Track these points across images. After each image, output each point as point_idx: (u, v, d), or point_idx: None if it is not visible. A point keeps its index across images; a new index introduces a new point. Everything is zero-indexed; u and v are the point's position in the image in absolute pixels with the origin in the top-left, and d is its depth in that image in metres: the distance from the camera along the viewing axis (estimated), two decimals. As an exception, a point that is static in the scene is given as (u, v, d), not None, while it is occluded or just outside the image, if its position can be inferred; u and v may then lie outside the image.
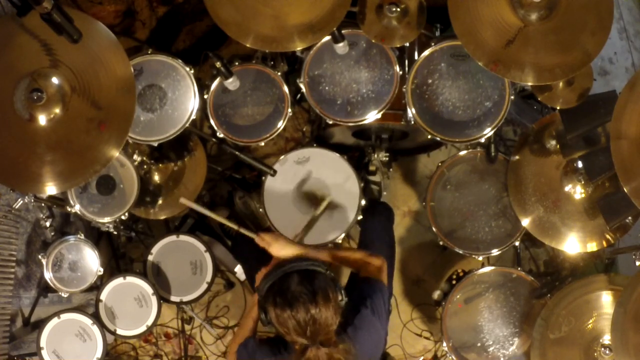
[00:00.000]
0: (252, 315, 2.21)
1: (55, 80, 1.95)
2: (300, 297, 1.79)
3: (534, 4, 2.13)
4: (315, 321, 1.78)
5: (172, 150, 2.80)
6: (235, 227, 2.29)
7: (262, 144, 2.65)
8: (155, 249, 2.73)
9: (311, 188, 2.68)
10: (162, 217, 2.85)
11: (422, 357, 3.27)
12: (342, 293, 1.90)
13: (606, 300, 2.45)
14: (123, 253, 3.23)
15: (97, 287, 2.72)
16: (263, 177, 2.71)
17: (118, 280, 2.65)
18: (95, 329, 2.60)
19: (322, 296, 1.80)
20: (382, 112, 2.56)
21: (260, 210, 2.69)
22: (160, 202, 2.81)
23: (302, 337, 1.80)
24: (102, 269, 2.60)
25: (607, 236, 2.50)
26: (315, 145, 2.72)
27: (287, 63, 2.83)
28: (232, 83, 2.51)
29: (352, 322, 1.96)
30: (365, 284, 2.10)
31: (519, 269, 2.69)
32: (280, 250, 2.18)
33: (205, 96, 2.58)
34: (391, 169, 3.13)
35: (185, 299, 2.75)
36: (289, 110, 2.60)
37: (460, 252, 2.70)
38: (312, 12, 2.26)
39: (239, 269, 3.07)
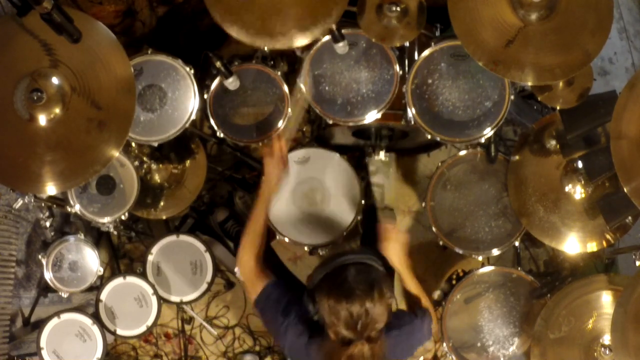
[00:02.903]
0: (262, 210, 2.16)
1: (55, 80, 1.95)
2: (357, 288, 1.78)
3: (534, 4, 2.13)
4: (368, 315, 1.76)
5: (172, 150, 2.80)
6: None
7: (262, 143, 2.65)
8: (155, 249, 2.73)
9: (311, 188, 2.68)
10: (162, 217, 2.86)
11: (422, 357, 3.27)
12: (392, 291, 1.89)
13: (606, 300, 2.45)
14: (123, 253, 3.23)
15: (97, 287, 2.72)
16: (263, 177, 2.71)
17: (118, 280, 2.66)
18: (95, 329, 2.60)
19: (378, 291, 1.80)
20: (382, 112, 2.56)
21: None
22: (160, 202, 2.81)
23: (350, 331, 1.78)
24: (102, 269, 2.61)
25: (607, 236, 2.50)
26: (315, 145, 2.72)
27: (287, 63, 2.83)
28: (232, 83, 2.51)
29: (401, 326, 1.99)
30: (421, 310, 2.13)
31: (519, 269, 2.69)
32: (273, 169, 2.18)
33: (205, 96, 2.58)
34: (391, 169, 3.13)
35: (185, 299, 2.75)
36: (289, 110, 2.60)
37: (460, 252, 2.70)
38: (314, 8, 2.25)
39: (239, 269, 3.06)
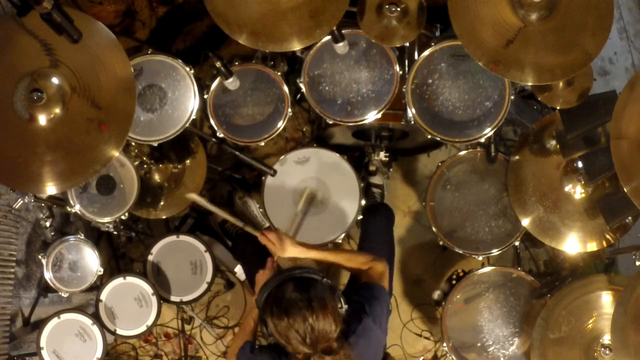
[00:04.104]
0: (253, 315, 2.20)
1: (55, 80, 1.95)
2: (296, 305, 1.78)
3: (534, 4, 2.13)
4: (313, 329, 1.77)
5: (172, 150, 2.80)
6: (240, 224, 2.29)
7: (262, 144, 2.65)
8: (155, 249, 2.73)
9: (311, 188, 2.68)
10: (162, 217, 2.86)
11: (422, 357, 3.27)
12: (341, 301, 1.88)
13: (606, 300, 2.45)
14: (123, 253, 3.23)
15: (97, 287, 2.72)
16: (263, 177, 2.71)
17: (118, 280, 2.65)
18: (95, 329, 2.60)
19: (319, 304, 1.79)
20: (382, 112, 2.56)
21: (260, 210, 2.69)
22: (160, 202, 2.81)
23: (303, 346, 1.79)
24: (102, 269, 2.61)
25: (607, 236, 2.50)
26: (315, 145, 2.72)
27: (287, 63, 2.83)
28: (232, 83, 2.51)
29: (355, 331, 1.94)
30: (366, 290, 2.08)
31: (519, 269, 2.69)
32: (284, 250, 2.17)
33: (205, 96, 2.58)
34: (391, 169, 3.13)
35: (185, 299, 2.75)
36: (289, 110, 2.60)
37: (460, 252, 2.70)
38: (314, 8, 2.25)
39: (239, 269, 3.07)
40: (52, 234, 2.63)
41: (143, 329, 2.68)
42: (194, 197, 2.36)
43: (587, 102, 2.40)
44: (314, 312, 1.77)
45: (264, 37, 2.26)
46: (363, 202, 2.67)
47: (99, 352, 2.61)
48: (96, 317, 2.63)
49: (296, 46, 2.29)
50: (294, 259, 2.21)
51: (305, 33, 2.25)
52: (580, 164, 2.46)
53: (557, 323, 2.47)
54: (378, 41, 2.42)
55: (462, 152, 2.70)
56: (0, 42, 1.96)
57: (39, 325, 2.61)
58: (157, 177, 2.83)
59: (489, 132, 2.51)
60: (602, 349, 2.38)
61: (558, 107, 2.44)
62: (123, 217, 2.60)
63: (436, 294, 2.92)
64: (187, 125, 2.54)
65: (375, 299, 2.04)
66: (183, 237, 2.75)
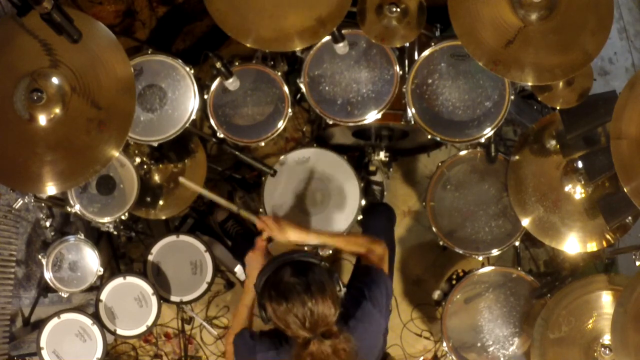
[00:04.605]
0: (246, 302, 2.18)
1: (55, 80, 1.95)
2: (295, 289, 1.78)
3: (534, 4, 2.13)
4: (312, 313, 1.77)
5: (172, 150, 2.80)
6: (234, 208, 2.28)
7: (262, 144, 2.65)
8: (155, 249, 2.73)
9: (311, 188, 2.68)
10: (162, 217, 2.86)
11: (422, 357, 3.27)
12: (339, 284, 1.89)
13: (606, 300, 2.45)
14: (123, 253, 3.23)
15: (97, 287, 2.72)
16: (263, 177, 2.71)
17: (118, 280, 2.65)
18: (95, 329, 2.60)
19: (317, 287, 1.79)
20: (382, 112, 2.56)
21: (260, 210, 2.69)
22: (160, 202, 2.81)
23: (302, 330, 1.78)
24: (102, 269, 2.61)
25: (607, 236, 2.50)
26: (315, 145, 2.72)
27: (287, 63, 2.83)
28: (232, 83, 2.51)
29: (354, 315, 1.95)
30: (365, 273, 2.08)
31: (519, 269, 2.69)
32: (283, 233, 2.17)
33: (205, 96, 2.58)
34: (391, 169, 3.13)
35: (185, 299, 2.75)
36: (289, 110, 2.60)
37: (460, 252, 2.70)
38: (315, 9, 2.25)
39: (239, 269, 3.06)
40: (52, 234, 2.63)
41: (143, 329, 2.68)
42: (185, 182, 2.36)
43: (587, 102, 2.40)
44: (313, 296, 1.77)
45: (267, 37, 2.26)
46: (363, 202, 2.67)
47: (99, 352, 2.61)
48: (96, 317, 2.63)
49: (298, 46, 2.29)
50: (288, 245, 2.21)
51: (308, 32, 2.25)
52: (580, 164, 2.46)
53: (557, 323, 2.47)
54: (378, 41, 2.42)
55: (462, 152, 2.70)
56: (0, 42, 1.96)
57: (39, 325, 2.61)
58: (157, 177, 2.83)
59: (489, 132, 2.51)
60: (602, 349, 2.38)
61: (558, 107, 2.44)
62: (123, 217, 2.60)
63: (436, 294, 2.92)
64: (187, 125, 2.54)
65: (374, 283, 2.04)
66: (183, 237, 2.75)
